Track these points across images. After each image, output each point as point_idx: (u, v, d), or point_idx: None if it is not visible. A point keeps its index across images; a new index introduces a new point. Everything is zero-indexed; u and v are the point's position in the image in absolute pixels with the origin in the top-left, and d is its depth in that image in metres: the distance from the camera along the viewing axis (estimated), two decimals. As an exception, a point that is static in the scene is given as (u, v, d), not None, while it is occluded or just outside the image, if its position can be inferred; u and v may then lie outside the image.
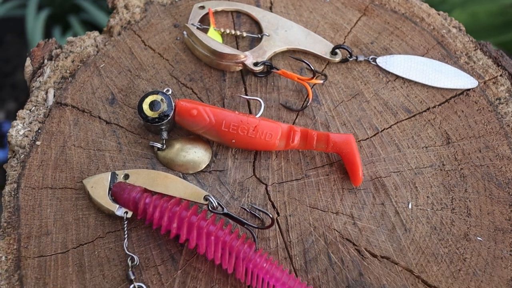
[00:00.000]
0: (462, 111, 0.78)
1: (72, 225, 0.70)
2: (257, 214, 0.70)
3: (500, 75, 0.81)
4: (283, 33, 0.82)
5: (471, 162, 0.75)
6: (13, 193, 0.71)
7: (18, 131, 0.75)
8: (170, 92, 0.74)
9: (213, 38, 0.80)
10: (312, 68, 0.77)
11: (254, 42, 0.83)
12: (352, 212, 0.72)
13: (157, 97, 0.73)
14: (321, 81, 0.79)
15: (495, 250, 0.70)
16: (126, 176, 0.71)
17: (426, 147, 0.76)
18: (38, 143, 0.74)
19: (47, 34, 1.94)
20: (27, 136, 0.75)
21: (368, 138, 0.77)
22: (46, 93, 0.78)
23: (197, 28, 0.81)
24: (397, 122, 0.78)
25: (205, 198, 0.68)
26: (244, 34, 0.83)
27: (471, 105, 0.79)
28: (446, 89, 0.80)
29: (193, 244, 0.66)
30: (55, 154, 0.74)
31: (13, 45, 2.19)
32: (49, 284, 0.67)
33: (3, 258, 0.68)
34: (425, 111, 0.79)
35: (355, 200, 0.73)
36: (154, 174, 0.71)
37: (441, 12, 0.87)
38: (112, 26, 0.84)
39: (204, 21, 0.84)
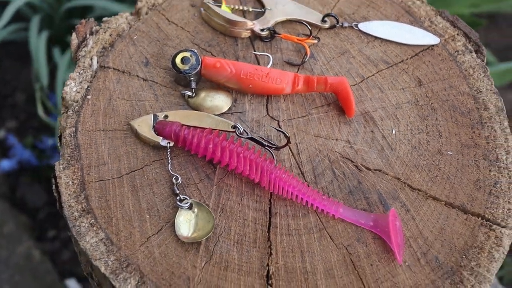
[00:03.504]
0: (429, 61, 0.98)
1: (123, 157, 0.86)
2: (272, 142, 0.87)
3: (457, 34, 1.01)
4: (281, 7, 1.01)
5: (439, 98, 0.94)
6: (72, 134, 0.87)
7: (71, 88, 0.91)
8: (196, 51, 0.91)
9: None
10: (309, 28, 0.96)
11: (258, 15, 1.02)
12: (348, 138, 0.89)
13: (187, 54, 0.90)
14: (315, 41, 0.97)
15: (463, 160, 0.88)
16: (166, 116, 0.87)
17: (403, 89, 0.95)
18: (88, 97, 0.90)
19: (48, 55, 2.08)
20: (79, 92, 0.91)
21: (356, 84, 0.95)
22: (91, 59, 0.94)
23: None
24: (379, 71, 0.96)
25: (233, 127, 0.85)
26: (250, 9, 1.01)
27: (436, 56, 0.98)
28: (415, 45, 0.99)
29: (225, 162, 0.82)
30: (103, 105, 0.90)
31: (11, 69, 2.34)
32: (110, 200, 0.82)
33: (70, 182, 0.83)
34: (400, 62, 0.98)
35: (350, 129, 0.90)
36: (188, 113, 0.88)
37: (406, -11, 1.07)
38: (140, 8, 1.01)
39: (216, 1, 1.02)
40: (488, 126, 0.91)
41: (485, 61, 0.98)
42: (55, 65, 2.15)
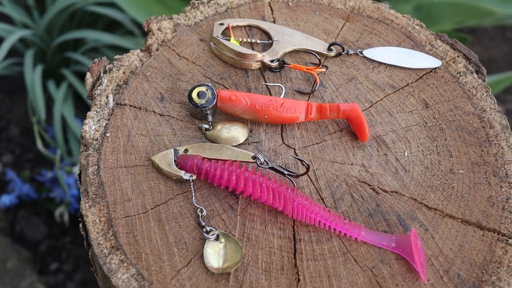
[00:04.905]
0: (433, 84, 1.02)
1: (147, 192, 0.87)
2: (291, 170, 0.89)
3: (457, 56, 1.05)
4: (288, 38, 1.04)
5: (446, 119, 0.97)
6: (95, 172, 0.88)
7: (90, 127, 0.93)
8: (211, 85, 0.94)
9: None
10: (318, 57, 0.99)
11: (266, 47, 1.05)
12: (363, 162, 0.92)
13: (203, 88, 0.93)
14: (324, 69, 1.01)
15: (474, 178, 0.91)
16: (186, 150, 0.89)
17: (411, 111, 0.98)
18: (107, 135, 0.92)
19: (43, 88, 2.09)
20: (97, 131, 0.92)
21: (366, 109, 0.98)
22: (107, 97, 0.96)
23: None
24: (386, 96, 1.00)
25: (253, 157, 0.88)
26: (258, 41, 1.05)
27: (439, 79, 1.02)
28: (419, 69, 1.03)
29: (248, 192, 0.84)
30: (123, 142, 0.92)
31: (3, 103, 2.34)
32: (138, 236, 0.83)
33: (97, 220, 0.84)
34: (405, 86, 1.01)
35: (364, 154, 0.93)
36: (207, 146, 0.90)
37: (405, 15, 1.11)
38: (150, 44, 1.04)
39: (224, 34, 1.05)
40: (495, 143, 0.94)
41: (486, 80, 1.03)
42: (49, 98, 2.16)
